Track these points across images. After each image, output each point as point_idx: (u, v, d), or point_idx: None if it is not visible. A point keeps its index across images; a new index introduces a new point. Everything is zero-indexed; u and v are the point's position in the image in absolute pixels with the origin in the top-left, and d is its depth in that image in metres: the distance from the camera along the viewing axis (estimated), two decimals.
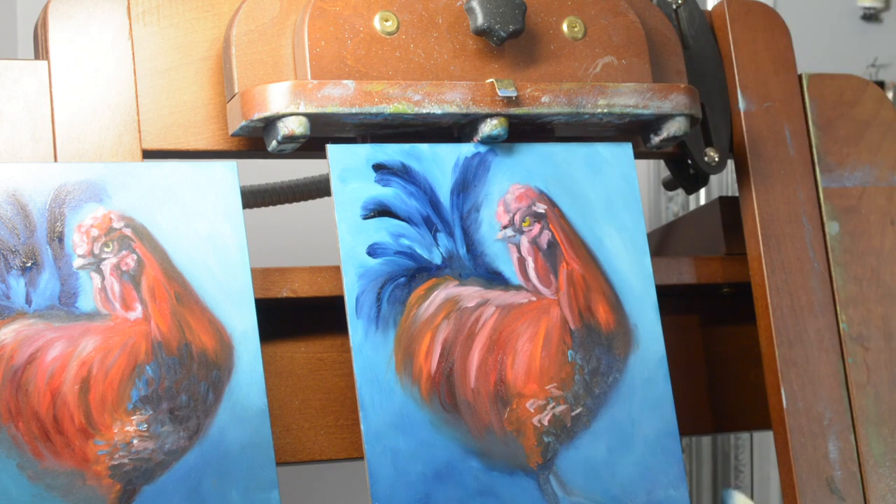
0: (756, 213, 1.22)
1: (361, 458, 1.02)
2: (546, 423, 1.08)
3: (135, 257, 1.00)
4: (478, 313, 1.08)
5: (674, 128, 1.15)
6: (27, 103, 1.04)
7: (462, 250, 1.08)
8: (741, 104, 1.25)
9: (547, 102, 1.10)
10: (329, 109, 1.05)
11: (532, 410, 1.07)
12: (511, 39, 1.10)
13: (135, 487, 0.97)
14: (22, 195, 0.99)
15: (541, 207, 1.11)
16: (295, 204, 1.38)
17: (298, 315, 1.14)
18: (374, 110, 1.06)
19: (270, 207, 1.38)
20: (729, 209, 1.29)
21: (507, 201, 1.10)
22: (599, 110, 1.12)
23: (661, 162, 1.87)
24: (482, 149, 1.11)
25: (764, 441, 2.05)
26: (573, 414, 1.08)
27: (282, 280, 1.09)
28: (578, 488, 1.08)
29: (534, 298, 1.09)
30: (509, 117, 1.09)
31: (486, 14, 1.09)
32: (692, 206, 2.00)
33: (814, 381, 1.19)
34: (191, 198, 1.03)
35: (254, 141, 1.10)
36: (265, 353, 1.03)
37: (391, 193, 1.07)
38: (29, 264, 0.98)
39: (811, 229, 1.22)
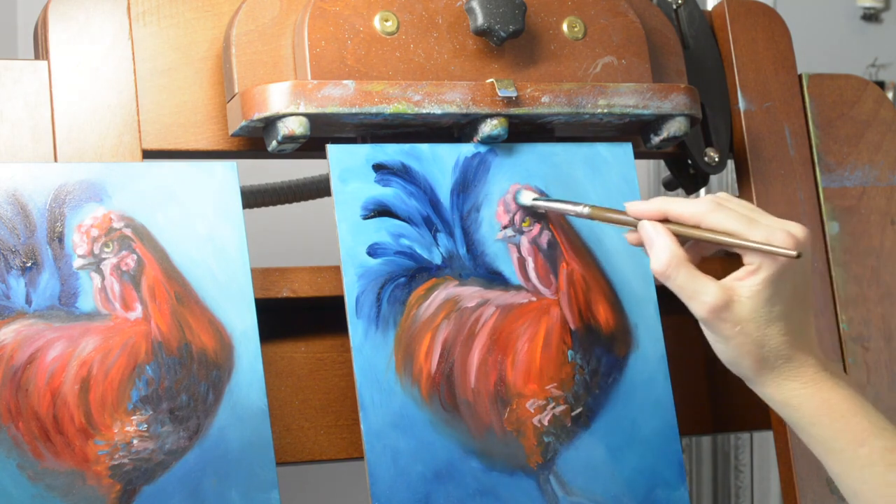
0: None
1: (361, 458, 1.02)
2: (546, 423, 1.08)
3: (135, 257, 1.00)
4: (478, 313, 1.08)
5: (674, 128, 1.15)
6: (27, 103, 1.04)
7: (462, 250, 1.08)
8: (741, 104, 1.25)
9: (547, 102, 1.10)
10: (329, 109, 1.05)
11: (532, 410, 1.07)
12: (511, 39, 1.10)
13: (135, 487, 0.97)
14: (22, 195, 0.99)
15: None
16: (295, 204, 1.38)
17: (298, 315, 1.14)
18: (374, 110, 1.06)
19: (270, 207, 1.38)
20: None
21: (508, 201, 1.10)
22: (599, 110, 1.12)
23: (661, 162, 1.87)
24: (482, 149, 1.11)
25: (764, 441, 2.05)
26: (573, 414, 1.08)
27: (282, 280, 1.09)
28: (578, 488, 1.08)
29: (534, 298, 1.09)
30: (509, 117, 1.09)
31: (486, 14, 1.09)
32: None
33: None
34: (191, 198, 1.03)
35: (254, 141, 1.10)
36: (265, 353, 1.03)
37: (391, 193, 1.07)
38: (29, 264, 0.98)
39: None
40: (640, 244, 1.00)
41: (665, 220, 0.99)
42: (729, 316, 0.95)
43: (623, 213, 1.02)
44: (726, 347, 0.97)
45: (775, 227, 0.95)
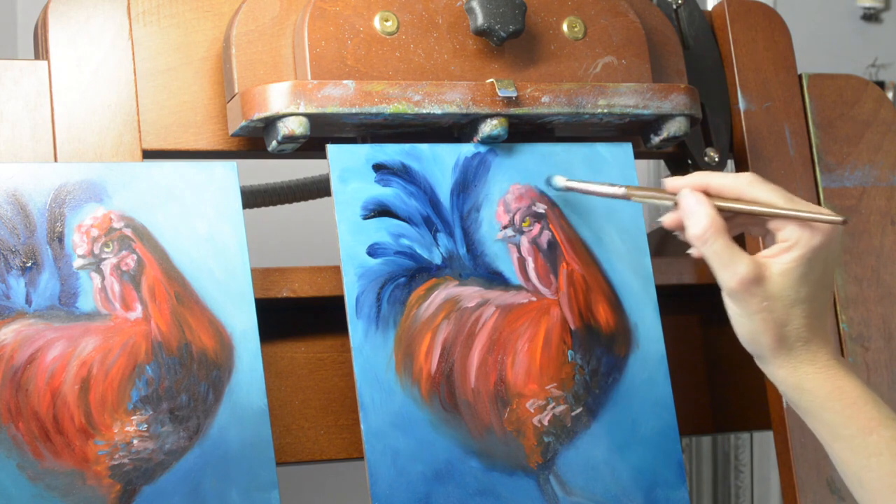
0: None
1: (361, 458, 1.02)
2: (546, 423, 1.08)
3: (135, 257, 1.00)
4: (478, 313, 1.08)
5: (674, 128, 1.15)
6: (27, 103, 1.04)
7: (462, 250, 1.08)
8: (741, 104, 1.25)
9: (547, 102, 1.10)
10: (329, 109, 1.05)
11: (532, 410, 1.07)
12: (511, 39, 1.10)
13: (135, 487, 0.97)
14: (22, 195, 0.99)
15: (541, 207, 1.11)
16: (295, 204, 1.38)
17: (298, 315, 1.14)
18: (374, 110, 1.06)
19: (270, 207, 1.38)
20: None
21: (507, 201, 1.10)
22: (599, 110, 1.12)
23: (661, 162, 1.87)
24: (482, 149, 1.11)
25: (764, 441, 2.05)
26: (573, 414, 1.08)
27: (282, 280, 1.09)
28: (578, 488, 1.08)
29: (534, 298, 1.09)
30: (509, 117, 1.09)
31: (486, 14, 1.09)
32: None
33: None
34: (191, 198, 1.03)
35: (254, 141, 1.10)
36: (265, 353, 1.03)
37: (391, 193, 1.07)
38: (29, 264, 0.98)
39: None
40: (679, 228, 1.00)
41: (705, 195, 0.99)
42: (758, 290, 0.95)
43: (661, 190, 1.02)
44: (748, 322, 0.97)
45: (814, 206, 0.97)
